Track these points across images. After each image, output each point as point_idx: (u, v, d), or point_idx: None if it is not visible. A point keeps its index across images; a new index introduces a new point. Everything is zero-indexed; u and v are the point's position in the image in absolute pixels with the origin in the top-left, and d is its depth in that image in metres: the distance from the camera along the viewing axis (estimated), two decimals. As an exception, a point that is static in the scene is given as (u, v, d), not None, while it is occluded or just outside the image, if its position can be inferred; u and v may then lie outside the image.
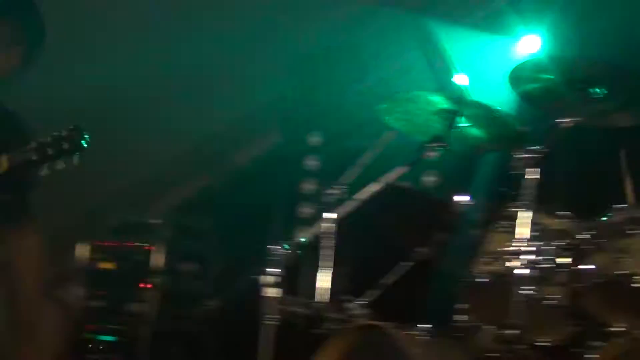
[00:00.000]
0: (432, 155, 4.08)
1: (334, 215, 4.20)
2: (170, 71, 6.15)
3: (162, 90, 6.21)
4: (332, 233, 4.29)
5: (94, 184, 6.12)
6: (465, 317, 4.27)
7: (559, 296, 3.89)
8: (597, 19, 5.36)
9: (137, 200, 6.82)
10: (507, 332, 3.65)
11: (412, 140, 4.30)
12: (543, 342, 4.03)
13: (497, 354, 3.89)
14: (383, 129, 4.46)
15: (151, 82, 6.03)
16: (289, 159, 6.56)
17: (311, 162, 6.34)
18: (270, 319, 4.02)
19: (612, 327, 3.84)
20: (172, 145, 6.87)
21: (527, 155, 3.82)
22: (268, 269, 3.98)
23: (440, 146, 4.07)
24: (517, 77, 4.10)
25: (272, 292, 4.00)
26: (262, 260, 4.01)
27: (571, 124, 3.96)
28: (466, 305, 4.19)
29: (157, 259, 5.70)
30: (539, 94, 4.08)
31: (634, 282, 3.71)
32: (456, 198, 4.39)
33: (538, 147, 3.83)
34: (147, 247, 5.72)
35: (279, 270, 3.97)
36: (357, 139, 5.18)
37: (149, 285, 5.66)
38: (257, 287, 4.03)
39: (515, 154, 3.85)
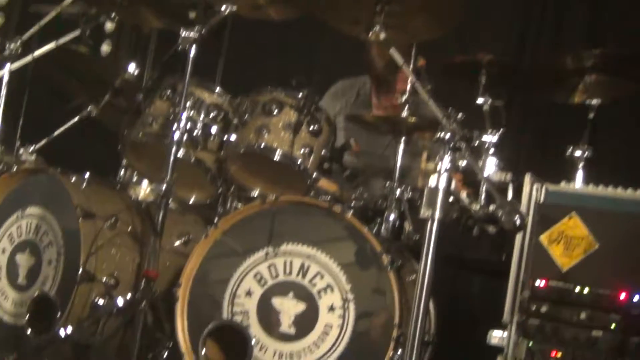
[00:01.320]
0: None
1: (11, 67, 4.26)
2: None
3: None
4: (7, 83, 4.32)
5: None
6: (125, 171, 4.45)
7: (208, 161, 4.16)
8: None
9: None
10: (161, 187, 3.80)
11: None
12: (191, 199, 4.38)
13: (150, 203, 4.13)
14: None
15: None
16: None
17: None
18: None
19: (250, 190, 4.22)
20: None
21: (191, 35, 3.85)
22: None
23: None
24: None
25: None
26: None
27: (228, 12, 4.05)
28: (126, 161, 4.42)
29: None
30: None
31: (270, 155, 4.02)
32: (127, 67, 4.51)
33: (201, 27, 3.88)
34: None
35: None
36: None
37: None
38: None
39: (180, 33, 3.88)
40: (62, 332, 3.74)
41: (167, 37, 4.65)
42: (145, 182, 4.57)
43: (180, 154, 3.93)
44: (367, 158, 4.58)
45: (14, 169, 4.28)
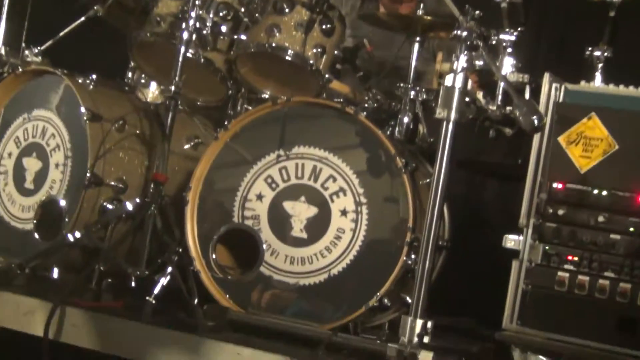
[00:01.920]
0: None
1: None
2: None
3: None
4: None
5: None
6: (133, 73, 4.37)
7: (217, 61, 4.05)
8: None
9: None
10: (169, 88, 3.74)
11: None
12: (199, 100, 4.29)
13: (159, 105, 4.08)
14: None
15: None
16: None
17: None
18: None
19: (261, 92, 4.14)
20: None
21: None
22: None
23: None
24: None
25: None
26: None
27: None
28: (134, 62, 4.32)
29: None
30: None
31: (281, 54, 3.91)
32: None
33: None
34: None
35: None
36: None
37: None
38: None
39: None
40: (70, 237, 3.68)
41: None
42: (153, 84, 4.46)
43: (189, 54, 3.83)
44: (380, 59, 4.44)
45: (20, 71, 4.19)
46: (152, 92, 4.47)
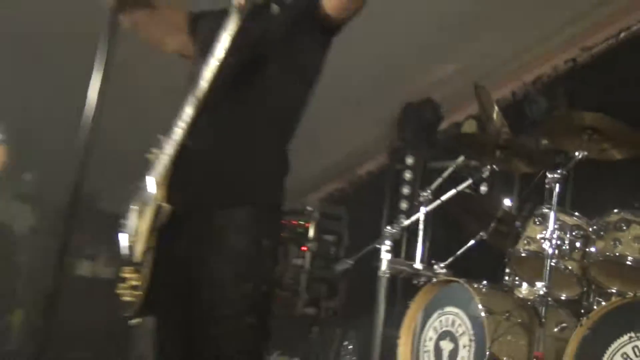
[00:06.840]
0: None
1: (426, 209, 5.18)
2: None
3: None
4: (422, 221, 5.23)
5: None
6: (509, 277, 5.17)
7: (574, 267, 4.69)
8: None
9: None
10: (540, 288, 4.46)
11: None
12: (563, 296, 4.98)
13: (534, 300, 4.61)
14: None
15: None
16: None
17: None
18: (384, 273, 5.09)
19: (610, 289, 4.66)
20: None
21: (555, 175, 4.60)
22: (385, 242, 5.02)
23: None
24: None
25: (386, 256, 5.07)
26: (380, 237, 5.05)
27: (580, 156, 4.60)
28: (510, 269, 5.13)
29: (311, 232, 7.02)
30: None
31: (623, 261, 4.46)
32: (504, 201, 5.36)
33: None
34: (305, 224, 7.01)
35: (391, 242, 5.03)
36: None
37: (305, 248, 6.99)
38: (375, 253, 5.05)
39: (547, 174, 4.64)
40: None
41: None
42: (524, 284, 5.11)
43: (553, 262, 4.48)
44: None
45: (434, 280, 5.10)
46: (524, 290, 5.12)
